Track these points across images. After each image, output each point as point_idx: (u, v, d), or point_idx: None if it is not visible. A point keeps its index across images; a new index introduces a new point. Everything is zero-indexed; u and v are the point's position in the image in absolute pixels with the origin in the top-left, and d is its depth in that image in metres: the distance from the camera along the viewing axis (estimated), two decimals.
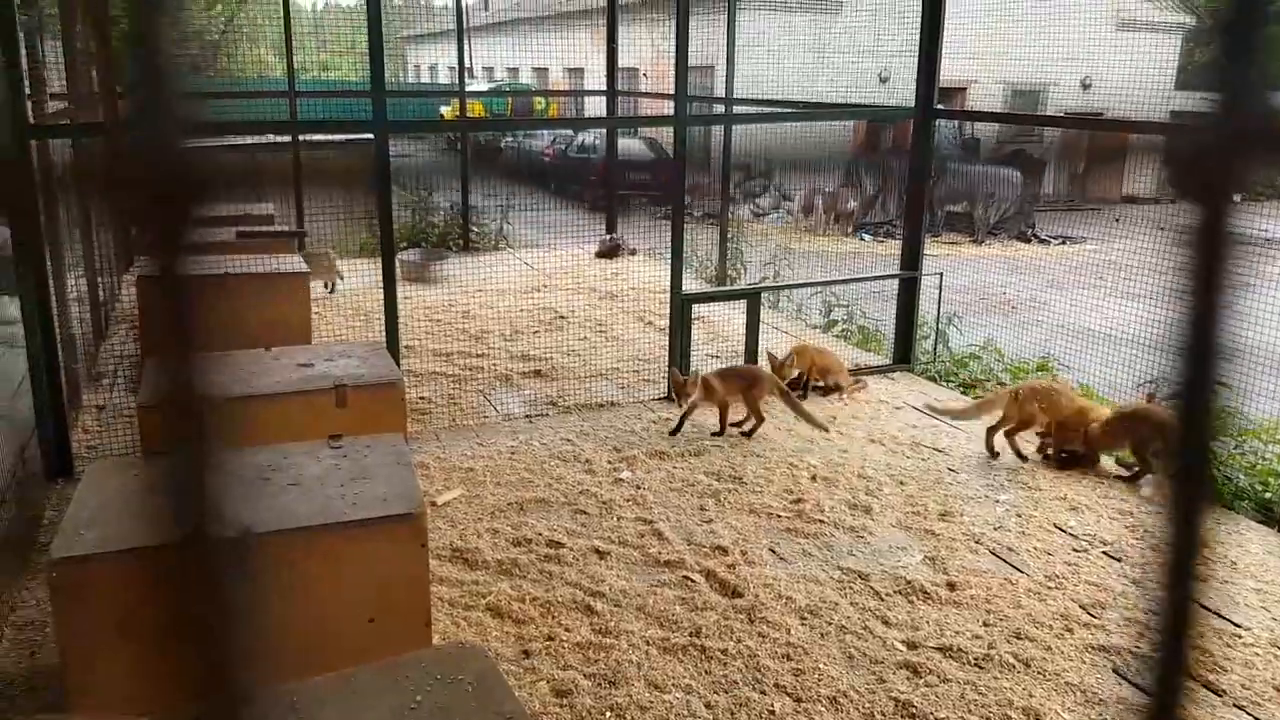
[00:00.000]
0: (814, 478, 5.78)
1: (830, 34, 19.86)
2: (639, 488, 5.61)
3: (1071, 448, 6.04)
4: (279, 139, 11.92)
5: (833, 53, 19.33)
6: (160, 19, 0.49)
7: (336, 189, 11.64)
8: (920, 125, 7.67)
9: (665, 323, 7.42)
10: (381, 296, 6.45)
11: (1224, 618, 4.33)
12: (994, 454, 6.10)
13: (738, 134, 12.65)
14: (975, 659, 4.03)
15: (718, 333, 8.64)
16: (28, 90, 5.66)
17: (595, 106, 16.95)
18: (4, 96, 5.14)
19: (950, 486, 5.74)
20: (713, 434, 6.42)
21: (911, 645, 4.14)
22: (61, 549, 3.05)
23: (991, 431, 6.13)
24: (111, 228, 8.79)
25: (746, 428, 6.46)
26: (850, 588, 4.58)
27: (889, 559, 4.86)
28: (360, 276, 8.77)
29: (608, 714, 3.64)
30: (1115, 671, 3.98)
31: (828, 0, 20.13)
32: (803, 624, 4.26)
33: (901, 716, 3.70)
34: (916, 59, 7.52)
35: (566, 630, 4.15)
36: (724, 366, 6.89)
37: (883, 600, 4.48)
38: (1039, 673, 3.95)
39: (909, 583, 4.60)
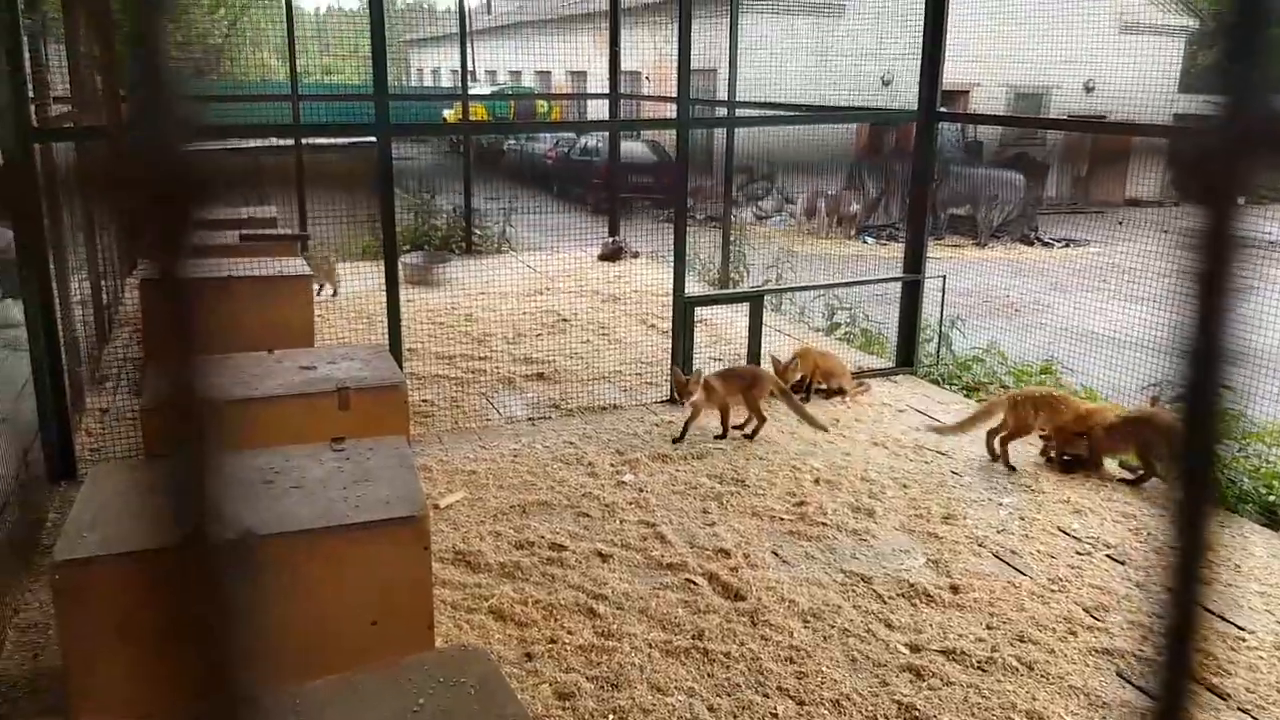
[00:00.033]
0: (817, 480, 5.78)
1: (833, 37, 19.86)
2: (641, 490, 5.61)
3: (1075, 451, 6.03)
4: (282, 142, 11.93)
5: (835, 56, 19.33)
6: (160, 19, 0.49)
7: (339, 192, 11.65)
8: (923, 128, 7.67)
9: (668, 325, 7.42)
10: (384, 299, 6.46)
11: (1228, 621, 4.32)
12: (995, 457, 6.10)
13: (740, 137, 12.65)
14: (978, 662, 4.02)
15: (720, 336, 8.64)
16: (31, 93, 5.66)
17: (598, 109, 16.95)
18: (8, 100, 5.15)
19: (953, 489, 5.73)
20: (715, 437, 6.42)
21: (914, 648, 4.13)
22: (64, 551, 3.05)
23: (992, 435, 6.12)
24: (114, 231, 8.80)
25: (748, 429, 6.46)
26: (853, 590, 4.58)
27: (892, 562, 4.85)
28: (363, 279, 8.78)
29: (610, 717, 3.64)
30: (1119, 674, 3.97)
31: (830, 3, 20.14)
32: (805, 627, 4.26)
33: (904, 719, 3.70)
34: (919, 62, 7.52)
35: (569, 633, 4.14)
36: (723, 368, 6.89)
37: (886, 603, 4.47)
38: (1042, 676, 3.95)
39: (912, 585, 4.59)
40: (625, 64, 13.23)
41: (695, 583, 4.59)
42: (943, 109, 7.86)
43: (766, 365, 6.98)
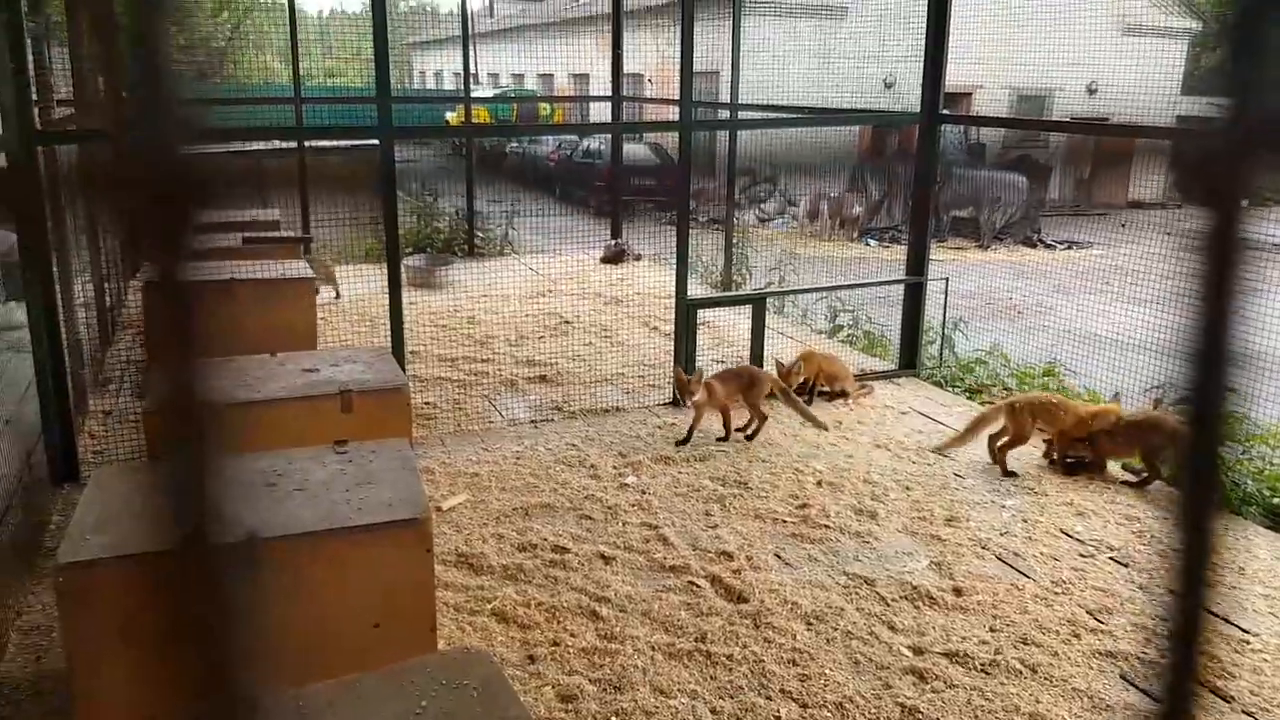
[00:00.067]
0: (819, 483, 5.77)
1: (835, 39, 19.86)
2: (644, 493, 5.61)
3: (1078, 454, 6.03)
4: (285, 145, 11.95)
5: (838, 58, 19.33)
6: (160, 20, 0.49)
7: (342, 194, 11.66)
8: (925, 130, 7.66)
9: (670, 328, 7.42)
10: (387, 302, 6.46)
11: (1232, 624, 4.31)
12: (996, 462, 6.09)
13: (743, 139, 12.65)
14: (982, 664, 4.01)
15: (723, 338, 8.64)
16: (35, 96, 5.67)
17: (600, 112, 16.96)
18: (11, 102, 5.16)
19: (956, 492, 5.73)
20: (718, 439, 6.41)
21: (918, 651, 4.12)
22: (68, 554, 3.05)
23: (993, 439, 6.11)
24: (117, 233, 8.82)
25: (750, 429, 6.46)
26: (856, 593, 4.57)
27: (895, 564, 4.85)
28: (366, 282, 8.79)
29: (613, 719, 3.64)
30: (1122, 677, 3.96)
31: (833, 6, 20.14)
32: (808, 629, 4.25)
33: None
34: (922, 64, 7.52)
35: (572, 635, 4.14)
36: (722, 369, 6.89)
37: (889, 605, 4.47)
38: (1046, 678, 3.94)
39: (915, 588, 4.59)
40: (628, 66, 13.24)
41: (698, 585, 4.59)
42: (945, 111, 7.86)
43: (770, 368, 6.97)
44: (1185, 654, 0.67)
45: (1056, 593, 4.59)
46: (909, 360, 7.98)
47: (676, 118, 6.91)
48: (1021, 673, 3.97)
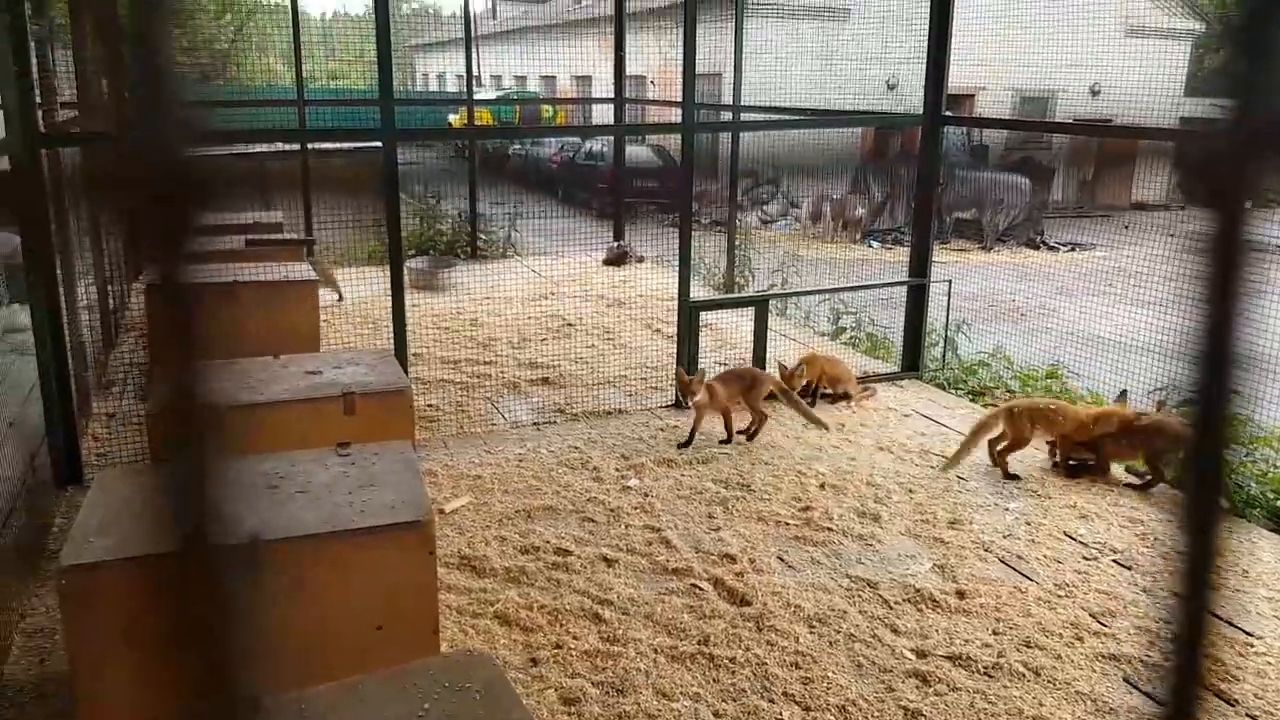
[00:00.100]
0: (822, 485, 5.77)
1: (838, 41, 19.85)
2: (647, 495, 5.60)
3: (1080, 456, 6.02)
4: (288, 147, 11.97)
5: (840, 60, 19.33)
6: (161, 20, 0.49)
7: (345, 196, 11.67)
8: (928, 132, 7.66)
9: (673, 330, 7.42)
10: (389, 304, 6.47)
11: (1236, 627, 4.30)
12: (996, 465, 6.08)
13: (745, 141, 12.66)
14: (985, 667, 4.01)
15: (726, 340, 8.63)
16: (38, 99, 5.68)
17: (603, 114, 16.97)
18: (15, 105, 5.16)
19: (959, 494, 5.72)
20: (720, 442, 6.41)
21: (920, 654, 4.12)
22: (71, 556, 3.05)
23: (993, 444, 6.10)
24: (120, 235, 8.83)
25: (750, 429, 6.46)
26: (859, 596, 4.56)
27: (898, 567, 4.84)
28: (368, 284, 8.79)
29: None
30: (1126, 680, 3.96)
31: (835, 7, 20.14)
32: (811, 632, 4.25)
33: None
34: (924, 66, 7.51)
35: (574, 638, 4.14)
36: (723, 370, 6.89)
37: (891, 608, 4.46)
38: (1049, 681, 3.93)
39: (918, 591, 4.58)
40: (630, 68, 13.24)
41: (700, 588, 4.59)
42: (948, 113, 7.86)
43: (773, 371, 6.97)
44: (1189, 657, 0.67)
45: (1060, 596, 4.59)
46: (912, 362, 7.98)
47: (679, 120, 6.91)
48: (1025, 676, 3.96)
